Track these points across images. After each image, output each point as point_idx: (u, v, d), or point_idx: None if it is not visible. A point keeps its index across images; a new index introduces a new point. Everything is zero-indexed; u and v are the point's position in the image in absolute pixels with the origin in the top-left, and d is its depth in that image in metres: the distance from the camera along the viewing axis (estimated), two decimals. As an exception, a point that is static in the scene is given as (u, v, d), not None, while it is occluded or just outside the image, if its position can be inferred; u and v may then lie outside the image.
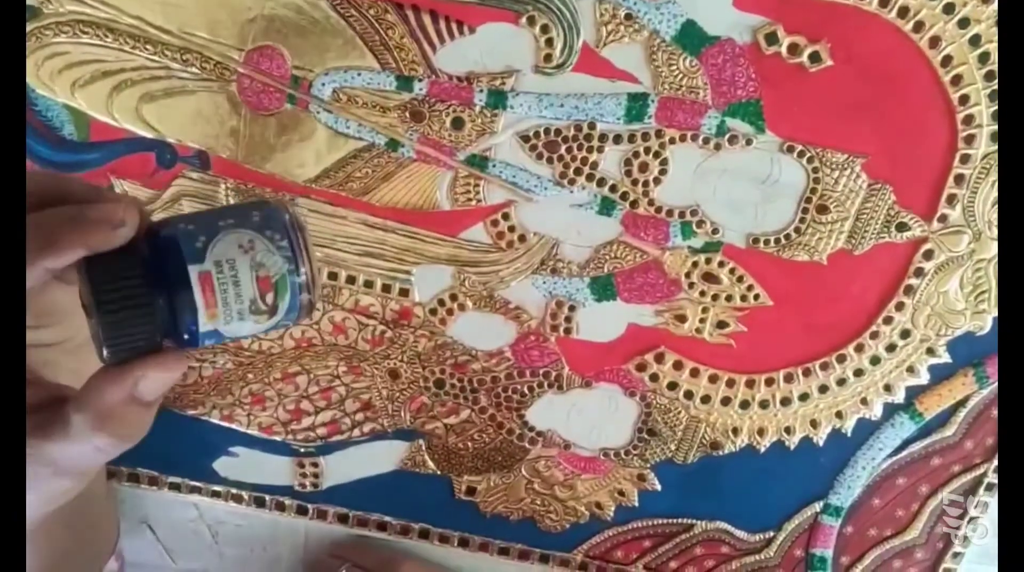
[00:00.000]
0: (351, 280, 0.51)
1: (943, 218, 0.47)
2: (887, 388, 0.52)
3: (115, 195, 0.29)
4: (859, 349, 0.51)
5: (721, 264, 0.49)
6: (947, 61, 0.44)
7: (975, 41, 0.44)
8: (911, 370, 0.51)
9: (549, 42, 0.45)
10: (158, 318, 0.28)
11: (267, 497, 0.58)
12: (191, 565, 0.62)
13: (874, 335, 0.50)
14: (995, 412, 0.51)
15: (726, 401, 0.52)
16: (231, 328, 0.29)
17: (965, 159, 0.46)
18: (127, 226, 0.27)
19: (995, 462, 0.53)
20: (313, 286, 0.30)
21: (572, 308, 0.51)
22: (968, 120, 0.45)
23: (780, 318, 0.50)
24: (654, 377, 0.52)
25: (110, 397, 0.27)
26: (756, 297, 0.50)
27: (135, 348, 0.28)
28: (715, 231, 0.48)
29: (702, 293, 0.50)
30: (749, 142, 0.46)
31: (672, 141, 0.47)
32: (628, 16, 0.44)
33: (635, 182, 0.48)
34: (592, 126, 0.47)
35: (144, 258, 0.28)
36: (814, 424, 0.53)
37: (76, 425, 0.27)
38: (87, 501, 0.39)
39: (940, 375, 0.51)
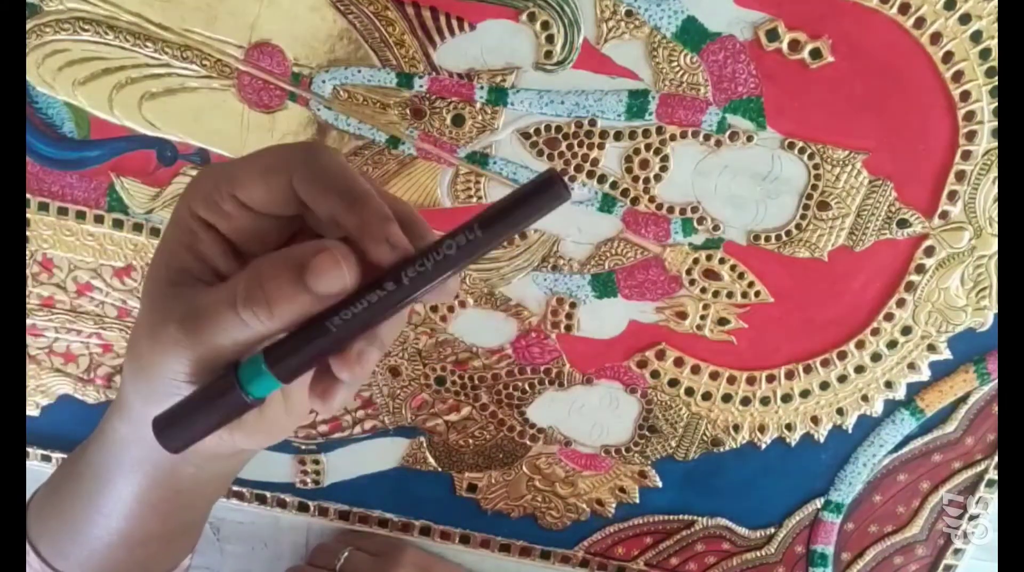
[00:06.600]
0: (352, 277, 0.51)
1: (944, 214, 0.47)
2: (888, 384, 0.51)
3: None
4: (860, 346, 0.51)
5: (722, 261, 0.49)
6: (948, 57, 0.44)
7: (976, 37, 0.44)
8: (912, 366, 0.51)
9: (550, 39, 0.45)
10: None
11: (268, 494, 0.58)
12: (192, 562, 0.62)
13: (875, 332, 0.50)
14: (996, 408, 0.51)
15: (727, 398, 0.52)
16: None
17: (966, 155, 0.46)
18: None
19: (996, 458, 0.53)
20: None
21: (573, 305, 0.51)
22: (969, 116, 0.45)
23: (781, 315, 0.50)
24: (655, 374, 0.52)
25: (269, 268, 0.27)
26: (757, 294, 0.50)
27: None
28: (716, 228, 0.48)
29: (703, 290, 0.50)
30: (750, 139, 0.46)
31: (673, 138, 0.47)
32: (629, 13, 0.44)
33: (636, 179, 0.48)
34: (593, 123, 0.47)
35: None
36: (815, 420, 0.53)
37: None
38: (208, 497, 0.38)
39: (941, 371, 0.51)
